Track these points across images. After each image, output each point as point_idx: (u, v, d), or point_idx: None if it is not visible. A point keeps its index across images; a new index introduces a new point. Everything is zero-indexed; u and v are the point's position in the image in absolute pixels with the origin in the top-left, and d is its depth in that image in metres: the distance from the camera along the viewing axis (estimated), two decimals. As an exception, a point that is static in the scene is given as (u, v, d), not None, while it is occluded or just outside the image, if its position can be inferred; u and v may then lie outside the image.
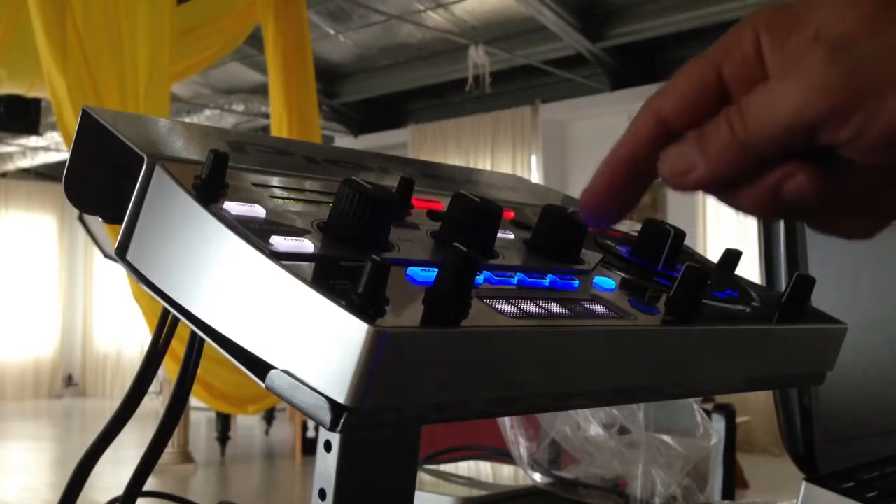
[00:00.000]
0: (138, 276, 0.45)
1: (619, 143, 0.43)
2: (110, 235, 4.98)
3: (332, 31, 7.72)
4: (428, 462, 1.19)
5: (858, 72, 0.37)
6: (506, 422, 1.08)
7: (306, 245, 0.42)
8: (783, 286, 0.71)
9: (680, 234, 0.56)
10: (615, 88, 7.89)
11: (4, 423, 10.02)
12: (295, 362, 0.38)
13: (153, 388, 1.76)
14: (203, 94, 9.06)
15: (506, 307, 0.43)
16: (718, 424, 1.29)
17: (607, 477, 1.05)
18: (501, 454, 1.16)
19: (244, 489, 6.65)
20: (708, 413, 1.21)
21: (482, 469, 1.23)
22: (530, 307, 0.44)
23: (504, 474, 1.19)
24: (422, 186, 0.56)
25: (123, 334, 11.64)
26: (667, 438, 1.04)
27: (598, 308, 0.48)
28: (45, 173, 11.72)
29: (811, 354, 0.60)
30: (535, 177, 8.36)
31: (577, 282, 0.50)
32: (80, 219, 7.04)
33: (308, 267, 0.40)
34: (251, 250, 0.40)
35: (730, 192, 0.42)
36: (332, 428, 0.37)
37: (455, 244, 0.39)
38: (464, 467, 1.22)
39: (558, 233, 0.53)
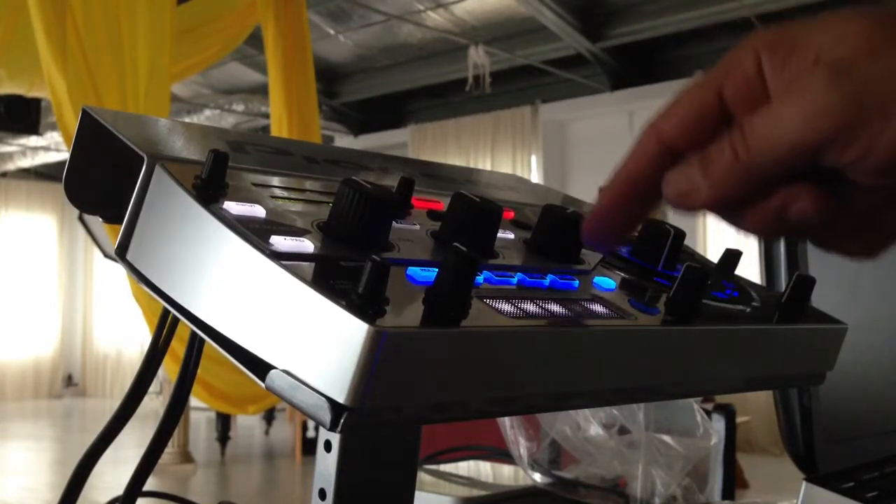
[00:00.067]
0: (138, 276, 0.45)
1: (622, 165, 0.44)
2: (110, 235, 4.98)
3: (332, 31, 7.72)
4: (428, 462, 1.19)
5: (860, 94, 0.37)
6: (506, 422, 1.08)
7: (306, 245, 0.42)
8: (783, 286, 0.71)
9: (680, 234, 0.56)
10: (615, 88, 7.89)
11: (4, 423, 10.02)
12: (295, 362, 0.38)
13: (153, 388, 1.76)
14: (203, 94, 9.06)
15: (506, 307, 0.43)
16: (718, 424, 1.29)
17: (607, 477, 1.05)
18: (501, 454, 1.16)
19: (244, 489, 6.65)
20: (708, 413, 1.21)
21: (482, 469, 1.23)
22: (530, 307, 0.44)
23: (504, 474, 1.19)
24: (422, 186, 0.56)
25: (123, 334, 11.65)
26: (667, 438, 1.04)
27: (598, 308, 0.48)
28: (45, 173, 11.72)
29: (811, 354, 0.60)
30: (535, 177, 8.36)
31: (577, 282, 0.50)
32: (80, 219, 7.04)
33: (308, 267, 0.40)
34: (251, 250, 0.40)
35: (733, 213, 0.42)
36: (332, 428, 0.37)
37: (455, 244, 0.39)
38: (464, 467, 1.22)
39: (558, 233, 0.53)
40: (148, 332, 5.18)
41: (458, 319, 0.38)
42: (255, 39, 6.53)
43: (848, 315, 0.61)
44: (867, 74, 0.37)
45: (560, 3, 6.96)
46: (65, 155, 7.67)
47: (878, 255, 0.44)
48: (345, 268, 0.41)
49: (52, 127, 8.42)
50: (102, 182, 0.52)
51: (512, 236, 0.54)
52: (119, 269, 0.47)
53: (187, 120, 4.49)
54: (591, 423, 1.05)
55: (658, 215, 0.51)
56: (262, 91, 7.60)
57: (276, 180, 0.50)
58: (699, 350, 0.52)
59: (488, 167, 8.21)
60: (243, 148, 0.55)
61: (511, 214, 0.58)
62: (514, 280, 0.47)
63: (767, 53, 0.41)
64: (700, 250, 1.03)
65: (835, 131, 0.37)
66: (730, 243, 0.53)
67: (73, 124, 1.39)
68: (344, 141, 9.56)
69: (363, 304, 0.36)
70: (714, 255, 0.65)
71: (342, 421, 0.37)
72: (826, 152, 0.38)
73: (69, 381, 12.64)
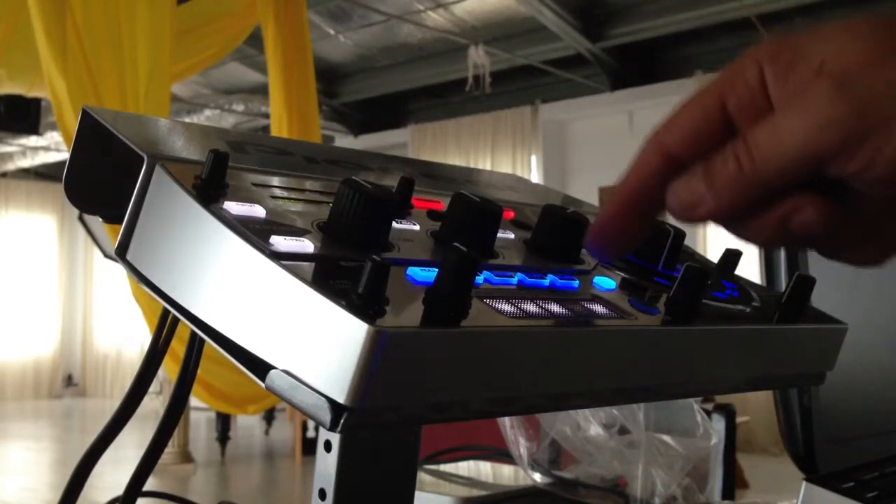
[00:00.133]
0: (138, 276, 0.45)
1: (625, 176, 0.44)
2: (110, 235, 4.98)
3: (332, 31, 7.72)
4: (428, 462, 1.19)
5: (864, 106, 0.37)
6: (506, 422, 1.08)
7: (306, 245, 0.42)
8: (783, 286, 0.71)
9: (680, 234, 0.56)
10: (615, 88, 7.89)
11: (4, 423, 10.02)
12: (295, 362, 0.38)
13: (153, 388, 1.76)
14: (203, 94, 9.06)
15: (506, 307, 0.43)
16: (718, 424, 1.30)
17: (607, 477, 1.05)
18: (501, 454, 1.16)
19: (244, 489, 6.65)
20: (708, 413, 1.21)
21: (482, 469, 1.23)
22: (530, 307, 0.44)
23: (504, 474, 1.19)
24: (422, 186, 0.56)
25: (123, 334, 11.65)
26: (667, 438, 1.04)
27: (598, 308, 0.48)
28: (45, 173, 11.72)
29: (811, 354, 0.60)
30: (535, 177, 8.36)
31: (577, 282, 0.50)
32: (80, 219, 7.04)
33: (308, 267, 0.40)
34: (251, 250, 0.40)
35: (737, 224, 0.42)
36: (332, 428, 0.37)
37: (455, 244, 0.39)
38: (464, 467, 1.22)
39: (558, 233, 0.53)
40: (148, 332, 5.18)
41: (458, 319, 0.38)
42: (255, 39, 6.54)
43: (848, 315, 0.61)
44: (870, 86, 0.37)
45: (560, 3, 6.96)
46: (65, 155, 7.67)
47: (885, 263, 0.44)
48: (345, 268, 0.41)
49: (52, 127, 8.42)
50: (102, 182, 0.53)
51: (512, 236, 0.54)
52: (119, 269, 0.47)
53: (187, 120, 4.50)
54: (591, 423, 1.05)
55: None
56: (262, 91, 7.60)
57: (276, 180, 0.50)
58: (699, 350, 0.52)
59: (488, 167, 8.21)
60: (243, 148, 0.55)
61: (511, 214, 0.58)
62: (514, 280, 0.47)
63: (770, 64, 0.41)
64: (700, 250, 1.04)
65: (838, 143, 0.37)
66: (730, 243, 0.53)
67: (73, 124, 1.39)
68: (344, 141, 9.56)
69: (363, 304, 0.36)
70: (714, 255, 0.65)
71: (342, 421, 0.37)
72: (830, 163, 0.38)
73: (69, 381, 12.64)
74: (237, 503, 1.64)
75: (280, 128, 5.77)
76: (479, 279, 0.45)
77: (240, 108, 8.76)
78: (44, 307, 12.15)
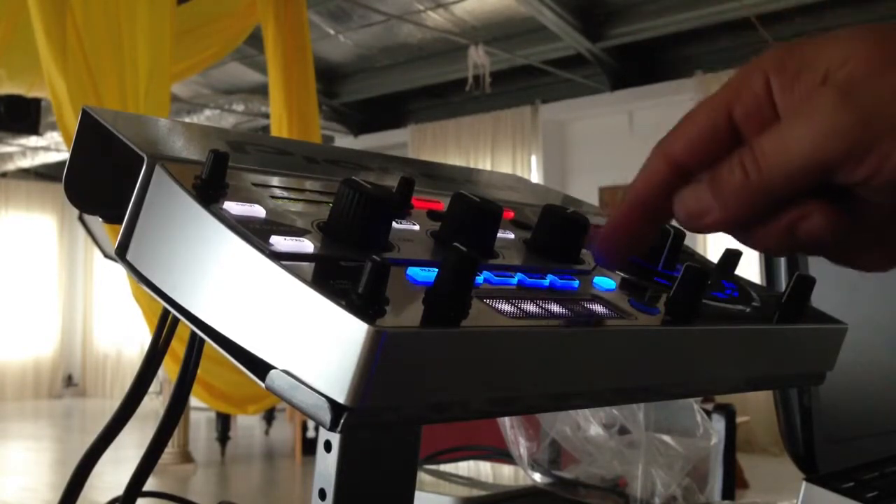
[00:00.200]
0: (138, 276, 0.45)
1: (633, 185, 0.44)
2: (110, 235, 4.98)
3: (332, 31, 7.72)
4: (428, 462, 1.19)
5: (869, 114, 0.37)
6: (506, 422, 1.08)
7: (306, 245, 0.42)
8: (783, 286, 0.71)
9: (680, 234, 0.56)
10: (615, 88, 7.89)
11: (4, 423, 10.02)
12: (295, 362, 0.38)
13: (153, 388, 1.76)
14: (203, 94, 9.06)
15: (506, 307, 0.43)
16: (718, 424, 1.30)
17: (607, 477, 1.05)
18: (501, 454, 1.16)
19: (244, 489, 6.65)
20: (708, 413, 1.21)
21: (482, 469, 1.23)
22: (530, 307, 0.44)
23: (504, 474, 1.19)
24: (422, 186, 0.56)
25: (123, 334, 11.65)
26: (667, 438, 1.04)
27: (598, 308, 0.48)
28: (45, 173, 11.72)
29: (811, 354, 0.60)
30: (535, 177, 8.36)
31: (577, 282, 0.50)
32: (80, 219, 7.04)
33: (308, 267, 0.40)
34: (251, 250, 0.40)
35: (744, 232, 0.42)
36: (332, 428, 0.37)
37: (455, 244, 0.39)
38: (464, 467, 1.22)
39: (558, 233, 0.53)
40: (148, 332, 5.18)
41: (458, 319, 0.38)
42: (255, 39, 6.54)
43: (848, 315, 0.61)
44: (875, 94, 0.37)
45: (560, 3, 6.97)
46: (65, 155, 7.68)
47: (892, 268, 0.45)
48: (345, 268, 0.41)
49: (52, 127, 8.42)
50: (102, 182, 0.52)
51: (512, 236, 0.54)
52: (119, 269, 0.47)
53: (187, 120, 4.50)
54: (591, 423, 1.05)
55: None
56: (262, 91, 7.60)
57: (276, 180, 0.50)
58: (699, 350, 0.52)
59: (488, 167, 8.21)
60: (243, 148, 0.55)
61: (511, 214, 0.58)
62: (514, 280, 0.47)
63: (776, 73, 0.41)
64: (700, 250, 1.04)
65: (844, 151, 0.37)
66: (730, 243, 0.53)
67: (73, 124, 1.39)
68: (344, 141, 9.56)
69: (363, 304, 0.36)
70: (714, 255, 0.65)
71: (342, 421, 0.37)
72: (836, 172, 0.38)
73: (69, 381, 12.64)
74: (237, 503, 1.64)
75: (280, 128, 5.77)
76: (479, 279, 0.45)
77: (240, 108, 8.76)
78: (44, 307, 12.15)
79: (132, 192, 0.45)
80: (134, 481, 0.61)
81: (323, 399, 0.37)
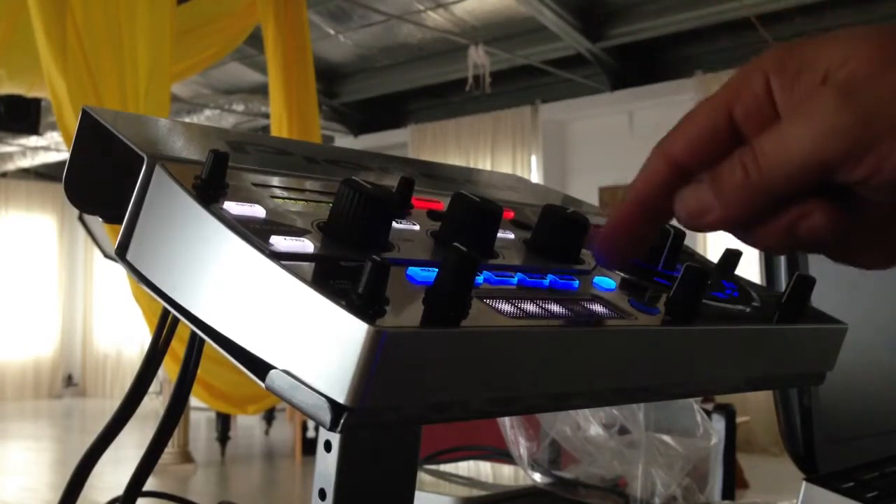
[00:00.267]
0: (138, 276, 0.45)
1: (633, 185, 0.44)
2: (110, 235, 4.98)
3: (332, 31, 7.72)
4: (428, 462, 1.19)
5: (869, 114, 0.37)
6: (506, 422, 1.08)
7: (306, 245, 0.42)
8: (783, 286, 0.71)
9: (680, 234, 0.56)
10: (615, 88, 7.89)
11: (4, 423, 10.02)
12: (295, 362, 0.38)
13: (153, 388, 1.76)
14: (203, 94, 9.06)
15: (506, 307, 0.43)
16: (718, 424, 1.30)
17: (607, 477, 1.05)
18: (501, 454, 1.16)
19: (244, 489, 6.65)
20: (708, 413, 1.21)
21: (482, 469, 1.23)
22: (530, 307, 0.44)
23: (504, 474, 1.19)
24: (422, 186, 0.56)
25: (123, 334, 11.65)
26: (667, 438, 1.04)
27: (598, 308, 0.48)
28: (45, 173, 11.72)
29: (811, 354, 0.60)
30: (535, 177, 8.36)
31: (577, 282, 0.50)
32: (80, 219, 7.04)
33: (308, 267, 0.40)
34: (251, 250, 0.40)
35: (745, 231, 0.42)
36: (332, 428, 0.37)
37: (455, 244, 0.39)
38: (464, 467, 1.22)
39: (558, 233, 0.53)
40: (148, 332, 5.18)
41: (458, 319, 0.38)
42: (255, 39, 6.54)
43: (848, 315, 0.61)
44: (875, 94, 0.37)
45: (560, 3, 6.97)
46: (65, 155, 7.68)
47: (892, 265, 0.45)
48: (345, 268, 0.41)
49: (52, 127, 8.42)
50: (102, 182, 0.52)
51: (512, 236, 0.54)
52: (119, 269, 0.47)
53: (187, 120, 4.50)
54: (591, 423, 1.05)
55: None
56: (262, 91, 7.60)
57: (276, 180, 0.50)
58: (699, 350, 0.52)
59: (488, 167, 8.21)
60: (243, 148, 0.55)
61: (511, 214, 0.58)
62: (514, 280, 0.47)
63: (776, 73, 0.41)
64: (700, 250, 1.04)
65: (844, 151, 0.37)
66: (730, 243, 0.53)
67: (73, 124, 1.39)
68: (344, 141, 9.57)
69: (363, 304, 0.36)
70: (714, 255, 0.65)
71: (342, 421, 0.37)
72: (836, 171, 0.38)
73: (69, 381, 12.64)
74: (237, 503, 1.64)
75: (280, 128, 5.77)
76: (479, 279, 0.45)
77: (240, 108, 8.76)
78: (44, 307, 12.15)
79: (132, 192, 0.45)
80: (134, 481, 0.61)
81: (323, 399, 0.37)
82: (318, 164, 0.57)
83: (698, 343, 0.51)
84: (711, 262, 0.65)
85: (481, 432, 1.34)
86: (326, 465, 0.56)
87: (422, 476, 1.10)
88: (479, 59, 7.18)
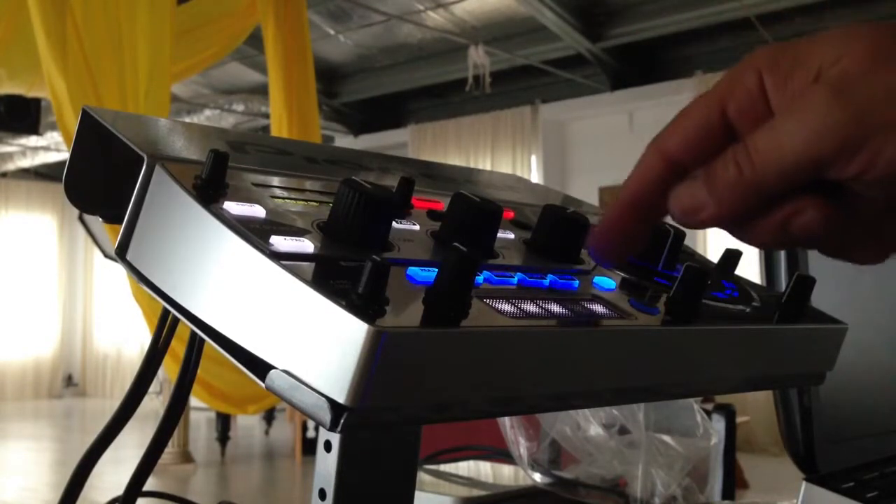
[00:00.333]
0: (138, 276, 0.45)
1: (627, 182, 0.44)
2: (110, 235, 4.98)
3: (332, 31, 7.72)
4: (428, 462, 1.19)
5: (862, 111, 0.37)
6: (506, 422, 1.08)
7: (306, 245, 0.42)
8: (783, 286, 0.71)
9: (680, 234, 0.56)
10: (615, 88, 7.89)
11: (4, 423, 10.02)
12: (295, 362, 0.38)
13: (153, 388, 1.76)
14: (203, 94, 9.06)
15: (506, 307, 0.43)
16: (718, 424, 1.29)
17: (607, 477, 1.05)
18: (501, 454, 1.16)
19: (244, 489, 6.65)
20: (708, 413, 1.21)
21: (482, 469, 1.23)
22: (530, 307, 0.44)
23: (504, 474, 1.19)
24: (422, 186, 0.56)
25: (123, 334, 11.65)
26: (667, 438, 1.04)
27: (598, 308, 0.48)
28: (45, 173, 11.72)
29: (811, 354, 0.60)
30: (535, 177, 8.36)
31: (577, 282, 0.50)
32: (81, 219, 7.04)
33: (308, 267, 0.40)
34: (251, 250, 0.40)
35: (739, 227, 0.42)
36: (332, 428, 0.37)
37: (455, 244, 0.39)
38: (464, 467, 1.22)
39: (558, 233, 0.53)
40: (148, 332, 5.18)
41: (458, 319, 0.38)
42: (255, 39, 6.53)
43: (848, 315, 0.61)
44: (868, 91, 0.37)
45: (560, 3, 6.96)
46: (65, 155, 7.68)
47: (886, 259, 0.45)
48: (345, 268, 0.41)
49: (52, 127, 8.42)
50: (102, 182, 0.53)
51: (512, 236, 0.54)
52: (119, 269, 0.47)
53: (187, 120, 4.50)
54: (591, 423, 1.05)
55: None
56: (262, 91, 7.60)
57: (276, 180, 0.50)
58: (699, 350, 0.52)
59: (488, 167, 8.21)
60: (243, 148, 0.55)
61: (511, 214, 0.58)
62: (514, 280, 0.47)
63: (769, 70, 0.41)
64: (700, 250, 1.04)
65: (837, 148, 0.37)
66: (730, 243, 0.53)
67: (73, 124, 1.39)
68: (344, 141, 9.56)
69: (363, 304, 0.36)
70: (714, 255, 0.65)
71: (342, 421, 0.37)
72: (829, 167, 0.38)
73: (69, 381, 12.64)
74: (237, 503, 1.64)
75: (280, 128, 5.77)
76: (479, 279, 0.45)
77: (240, 108, 8.76)
78: (44, 307, 12.15)
79: (132, 192, 0.45)
80: (134, 481, 0.61)
81: (323, 399, 0.37)
82: (318, 164, 0.57)
83: (698, 343, 0.51)
84: (711, 262, 0.65)
85: (481, 432, 1.34)
86: (326, 465, 0.56)
87: (422, 476, 1.10)
88: (479, 59, 7.18)
